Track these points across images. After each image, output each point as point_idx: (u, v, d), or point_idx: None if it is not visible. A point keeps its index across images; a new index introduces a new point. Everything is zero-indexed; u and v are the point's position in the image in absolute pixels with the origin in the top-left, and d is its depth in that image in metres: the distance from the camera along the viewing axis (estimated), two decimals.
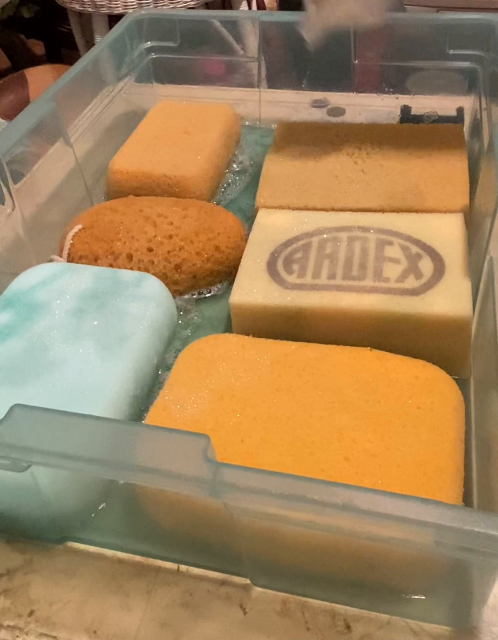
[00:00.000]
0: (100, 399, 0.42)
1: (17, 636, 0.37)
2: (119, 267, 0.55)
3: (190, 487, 0.31)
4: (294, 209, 0.58)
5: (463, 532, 0.28)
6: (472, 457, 0.41)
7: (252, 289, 0.50)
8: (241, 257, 0.53)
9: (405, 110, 0.74)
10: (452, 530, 0.28)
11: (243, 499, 0.30)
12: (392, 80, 0.75)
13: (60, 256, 0.57)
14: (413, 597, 0.37)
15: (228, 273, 0.57)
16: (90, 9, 1.42)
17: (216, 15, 0.79)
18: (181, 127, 0.70)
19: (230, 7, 1.60)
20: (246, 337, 0.46)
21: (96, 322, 0.47)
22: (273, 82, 0.80)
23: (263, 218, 0.57)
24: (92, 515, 0.41)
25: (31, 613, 0.38)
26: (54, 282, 0.51)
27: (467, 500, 0.38)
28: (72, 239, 0.57)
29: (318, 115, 0.79)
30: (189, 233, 0.56)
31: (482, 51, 0.68)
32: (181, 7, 1.39)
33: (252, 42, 0.77)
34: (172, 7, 1.38)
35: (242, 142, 0.75)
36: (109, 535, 0.41)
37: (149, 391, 0.48)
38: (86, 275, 0.51)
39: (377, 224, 0.54)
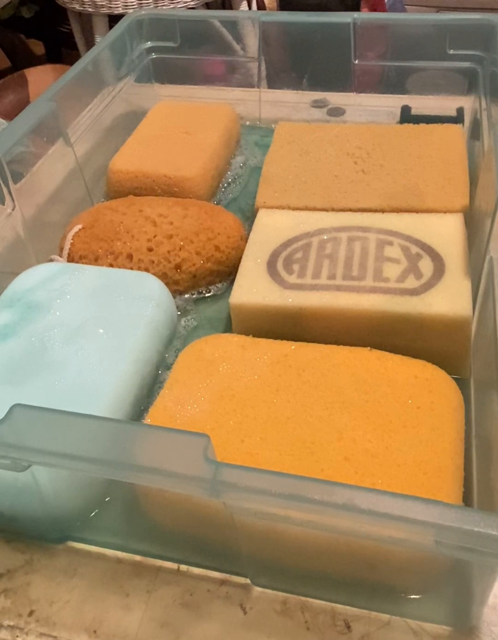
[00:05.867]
0: (100, 399, 0.42)
1: (17, 636, 0.37)
2: (119, 267, 0.55)
3: (190, 487, 0.31)
4: (294, 209, 0.58)
5: (463, 532, 0.28)
6: (472, 457, 0.41)
7: (252, 289, 0.50)
8: (241, 257, 0.53)
9: (405, 110, 0.74)
10: (452, 530, 0.28)
11: (243, 498, 0.30)
12: (392, 80, 0.75)
13: (61, 256, 0.57)
14: (413, 596, 0.37)
15: (228, 273, 0.57)
16: (90, 9, 1.42)
17: (216, 15, 0.79)
18: (181, 127, 0.70)
19: (230, 7, 1.60)
20: (246, 337, 0.46)
21: (95, 322, 0.47)
22: (273, 82, 0.80)
23: (263, 218, 0.57)
24: (92, 515, 0.41)
25: (31, 613, 0.38)
26: (54, 282, 0.51)
27: (467, 500, 0.38)
28: (72, 239, 0.57)
29: (318, 115, 0.79)
30: (189, 233, 0.56)
31: (482, 51, 0.68)
32: (181, 7, 1.39)
33: (252, 42, 0.77)
34: (172, 7, 1.38)
35: (242, 142, 0.75)
36: (109, 535, 0.41)
37: (149, 391, 0.48)
38: (86, 275, 0.51)
39: (377, 224, 0.54)
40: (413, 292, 0.47)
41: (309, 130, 0.68)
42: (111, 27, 1.15)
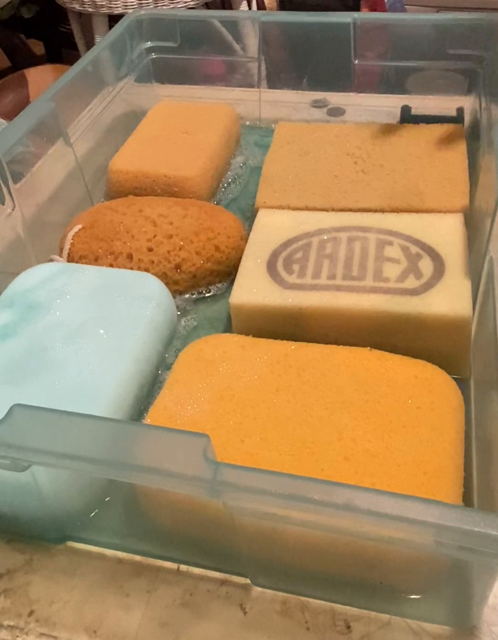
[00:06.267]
0: (100, 399, 0.42)
1: (17, 636, 0.37)
2: (119, 267, 0.55)
3: (190, 487, 0.31)
4: (294, 209, 0.58)
5: (463, 532, 0.28)
6: (472, 457, 0.41)
7: (252, 289, 0.50)
8: (241, 257, 0.53)
9: (405, 110, 0.74)
10: (452, 530, 0.28)
11: (242, 498, 0.30)
12: (392, 80, 0.75)
13: (61, 256, 0.57)
14: (413, 596, 0.37)
15: (227, 273, 0.57)
16: (90, 9, 1.42)
17: (216, 15, 0.79)
18: (181, 127, 0.70)
19: (230, 7, 1.60)
20: (246, 337, 0.46)
21: (95, 322, 0.47)
22: (273, 82, 0.80)
23: (263, 218, 0.57)
24: (92, 515, 0.41)
25: (31, 613, 0.38)
26: (54, 282, 0.51)
27: (467, 500, 0.38)
28: (72, 239, 0.57)
29: (318, 115, 0.79)
30: (189, 233, 0.56)
31: (482, 51, 0.68)
32: (181, 7, 1.39)
33: (252, 42, 0.77)
34: (172, 7, 1.38)
35: (242, 142, 0.75)
36: (109, 535, 0.41)
37: (149, 391, 0.48)
38: (86, 275, 0.51)
39: (377, 224, 0.54)
40: (413, 292, 0.47)
41: (309, 130, 0.68)
42: (111, 27, 1.15)
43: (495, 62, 0.65)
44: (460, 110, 0.71)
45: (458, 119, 0.70)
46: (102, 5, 1.39)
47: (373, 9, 1.43)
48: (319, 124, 0.70)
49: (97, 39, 1.48)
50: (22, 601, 0.38)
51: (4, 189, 0.55)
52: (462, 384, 0.43)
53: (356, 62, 0.73)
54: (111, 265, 0.55)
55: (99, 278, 0.51)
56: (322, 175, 0.61)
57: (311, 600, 0.37)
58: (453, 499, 0.36)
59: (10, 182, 0.55)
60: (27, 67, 1.60)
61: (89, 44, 1.58)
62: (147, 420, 0.41)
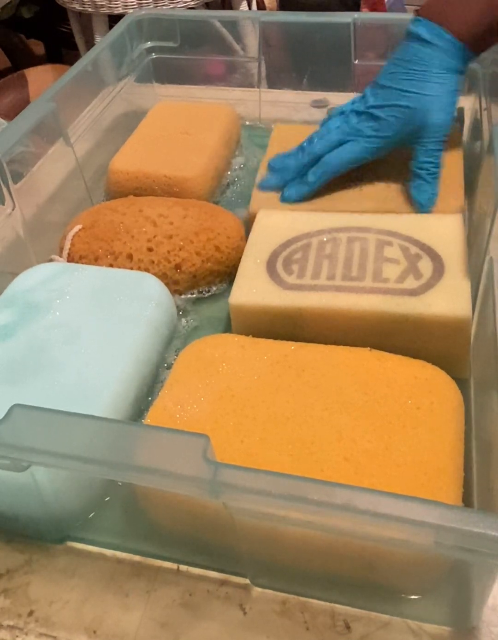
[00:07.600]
0: (100, 399, 0.42)
1: (17, 636, 0.37)
2: (119, 267, 0.55)
3: (189, 487, 0.31)
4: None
5: (463, 532, 0.28)
6: (472, 457, 0.41)
7: (251, 289, 0.50)
8: (240, 258, 0.53)
9: None
10: (451, 531, 0.28)
11: (242, 499, 0.31)
12: None
13: (61, 256, 0.57)
14: (412, 597, 0.37)
15: (227, 273, 0.57)
16: (90, 9, 1.42)
17: (216, 15, 0.79)
18: (181, 127, 0.70)
19: (230, 7, 1.60)
20: (246, 337, 0.46)
21: (95, 322, 0.47)
22: (273, 82, 0.80)
23: (263, 219, 0.57)
24: (92, 515, 0.41)
25: (31, 613, 0.38)
26: (54, 282, 0.51)
27: (466, 500, 0.38)
28: (72, 239, 0.57)
29: (318, 115, 0.79)
30: (189, 233, 0.56)
31: None
32: (181, 7, 1.39)
33: (252, 42, 0.77)
34: (172, 7, 1.38)
35: (242, 142, 0.75)
36: (109, 535, 0.41)
37: (149, 391, 0.48)
38: (86, 275, 0.51)
39: (376, 224, 0.54)
40: (413, 293, 0.47)
41: (305, 134, 0.67)
42: (111, 27, 1.15)
43: (495, 62, 0.65)
44: (460, 111, 0.71)
45: (458, 119, 0.70)
46: (102, 5, 1.39)
47: (373, 9, 1.43)
48: (315, 127, 0.70)
49: (97, 39, 1.48)
50: (22, 601, 0.38)
51: (4, 189, 0.55)
52: (462, 384, 0.43)
53: (356, 62, 0.73)
54: (111, 266, 0.55)
55: (99, 278, 0.51)
56: None
57: (310, 600, 0.37)
58: (453, 500, 0.36)
59: (10, 182, 0.55)
60: (27, 67, 1.61)
61: (89, 44, 1.58)
62: (147, 420, 0.41)
